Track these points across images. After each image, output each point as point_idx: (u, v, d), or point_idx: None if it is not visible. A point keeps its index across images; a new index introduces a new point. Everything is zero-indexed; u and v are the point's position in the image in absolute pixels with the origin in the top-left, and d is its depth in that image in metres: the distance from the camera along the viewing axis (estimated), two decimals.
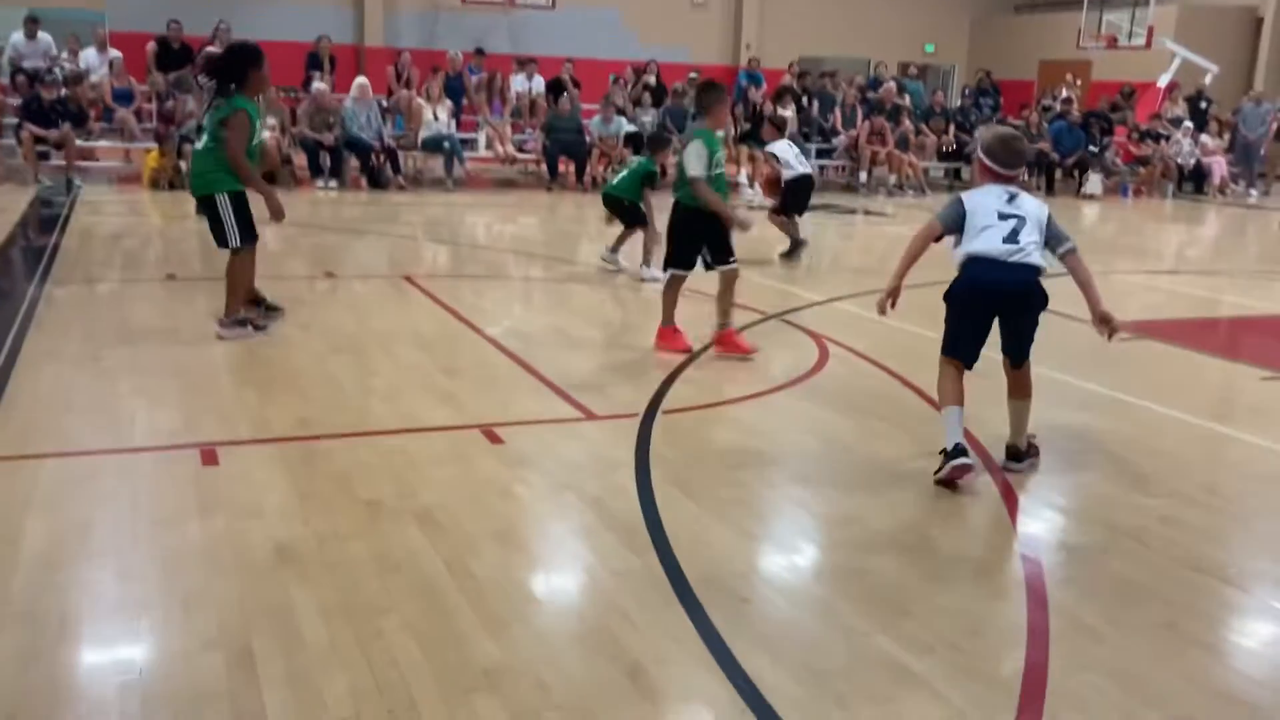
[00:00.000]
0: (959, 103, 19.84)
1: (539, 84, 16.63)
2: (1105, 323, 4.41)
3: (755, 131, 15.43)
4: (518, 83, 16.57)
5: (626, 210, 8.75)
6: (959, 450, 4.23)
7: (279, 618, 3.06)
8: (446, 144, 14.64)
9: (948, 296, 4.46)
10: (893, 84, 17.56)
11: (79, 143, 13.22)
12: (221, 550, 3.49)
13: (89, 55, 14.93)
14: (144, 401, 5.01)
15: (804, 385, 5.80)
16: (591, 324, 7.25)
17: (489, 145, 15.70)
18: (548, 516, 3.98)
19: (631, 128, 15.52)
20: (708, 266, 6.26)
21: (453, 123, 15.03)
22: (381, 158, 14.30)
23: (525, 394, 5.45)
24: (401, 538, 3.65)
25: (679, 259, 6.27)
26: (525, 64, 16.88)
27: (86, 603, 3.15)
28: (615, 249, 8.96)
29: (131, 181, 13.64)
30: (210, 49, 14.86)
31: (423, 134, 14.72)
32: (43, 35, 14.89)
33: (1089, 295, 4.43)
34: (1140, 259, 11.25)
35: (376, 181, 14.15)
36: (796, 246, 9.92)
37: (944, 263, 4.54)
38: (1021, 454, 4.56)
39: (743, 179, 15.60)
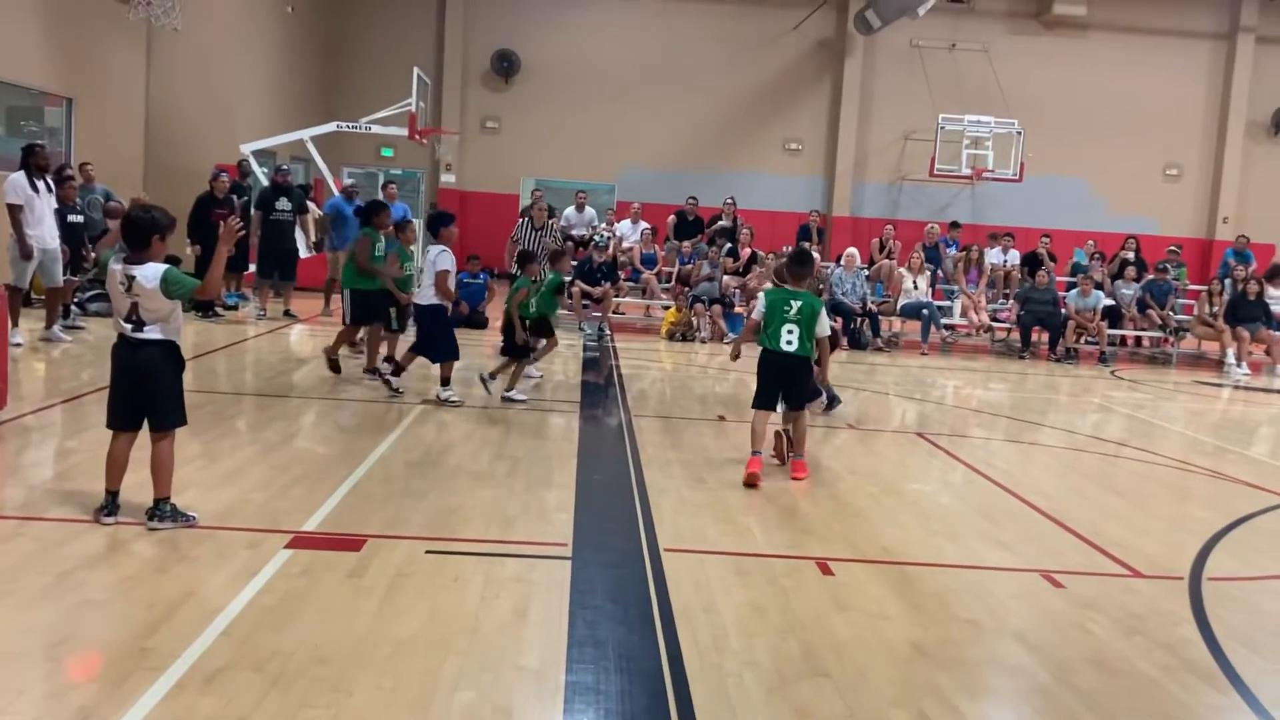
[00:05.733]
0: None
1: (1014, 257, 17.34)
2: None
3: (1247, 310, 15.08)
4: (993, 255, 17.39)
5: None
6: None
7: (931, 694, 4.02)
8: (925, 310, 15.70)
9: None
10: None
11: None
12: (867, 639, 4.51)
13: (623, 226, 17.77)
14: (754, 520, 6.28)
15: None
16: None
17: (963, 314, 16.56)
18: (1126, 651, 4.62)
19: (1109, 301, 15.75)
20: None
21: (930, 291, 16.11)
22: (862, 320, 15.62)
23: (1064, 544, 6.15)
24: (1006, 650, 4.49)
25: None
26: (1000, 238, 17.69)
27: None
28: None
29: (649, 333, 15.96)
30: (722, 222, 17.15)
31: (902, 300, 15.92)
32: (589, 209, 17.98)
33: None
34: None
35: (856, 342, 15.47)
36: None
37: None
38: None
39: (1230, 358, 15.22)
